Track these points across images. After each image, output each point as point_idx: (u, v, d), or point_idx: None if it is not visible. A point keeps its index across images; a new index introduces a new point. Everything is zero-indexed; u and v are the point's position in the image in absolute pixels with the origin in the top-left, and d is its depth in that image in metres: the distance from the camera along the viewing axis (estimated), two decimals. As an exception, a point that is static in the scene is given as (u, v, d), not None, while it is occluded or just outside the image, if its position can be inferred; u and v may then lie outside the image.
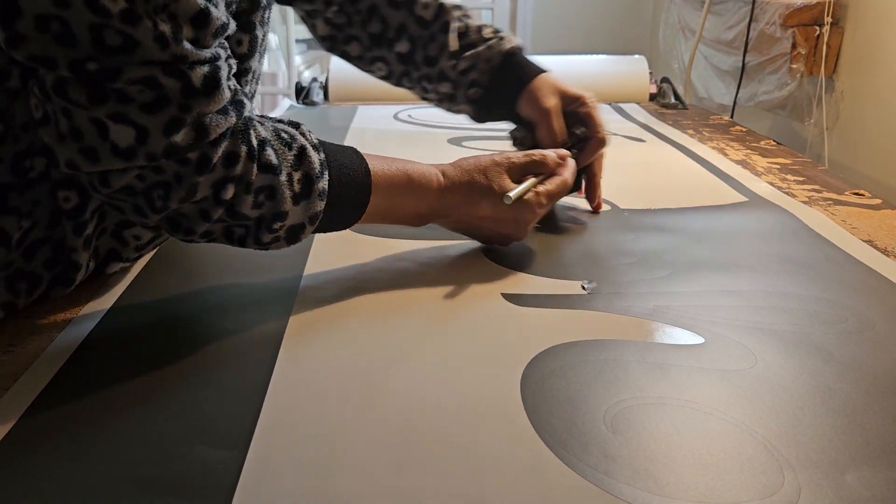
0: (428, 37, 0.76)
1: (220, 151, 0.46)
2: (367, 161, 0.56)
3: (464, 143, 1.12)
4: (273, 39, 2.21)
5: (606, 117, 1.34)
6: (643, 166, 1.02)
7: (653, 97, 1.52)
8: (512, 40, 0.77)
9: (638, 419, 0.43)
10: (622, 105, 1.46)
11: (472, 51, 0.76)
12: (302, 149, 0.51)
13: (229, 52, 0.47)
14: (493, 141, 1.14)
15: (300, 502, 0.36)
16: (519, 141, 0.79)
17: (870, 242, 0.72)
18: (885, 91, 1.25)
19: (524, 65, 0.77)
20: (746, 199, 0.85)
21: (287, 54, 2.43)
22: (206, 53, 0.44)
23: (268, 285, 0.61)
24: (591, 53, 1.65)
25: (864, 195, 0.88)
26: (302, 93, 1.53)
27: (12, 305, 0.54)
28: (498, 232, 0.65)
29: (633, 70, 1.56)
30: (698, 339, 0.52)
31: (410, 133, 1.20)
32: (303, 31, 2.36)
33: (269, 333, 0.53)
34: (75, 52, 0.40)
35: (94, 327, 0.54)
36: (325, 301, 0.58)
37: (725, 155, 1.07)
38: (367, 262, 0.66)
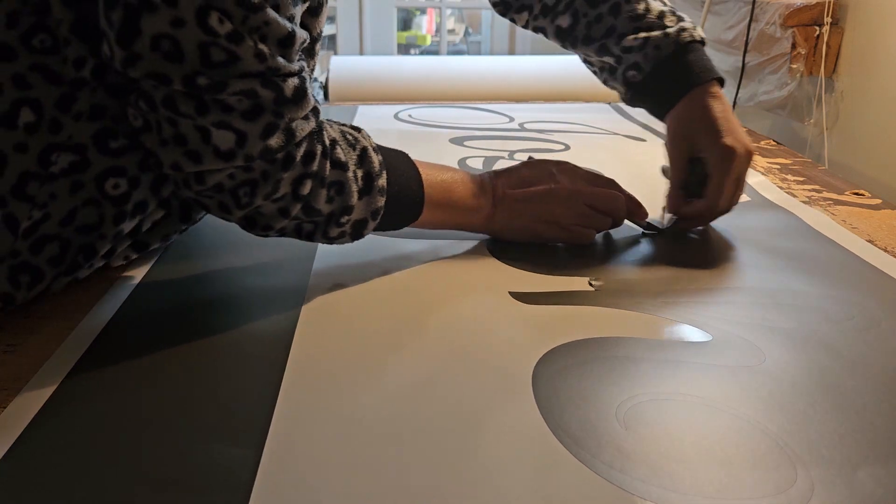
0: (594, 17, 0.73)
1: (301, 151, 0.51)
2: (417, 164, 0.62)
3: (465, 143, 1.12)
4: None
5: (606, 116, 1.35)
6: (644, 166, 1.02)
7: (653, 97, 1.52)
8: (694, 33, 0.71)
9: (651, 415, 0.43)
10: (622, 105, 1.46)
11: (645, 33, 0.70)
12: (364, 149, 0.57)
13: (309, 67, 0.53)
14: (496, 140, 1.14)
15: (317, 499, 0.36)
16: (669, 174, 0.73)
17: (870, 242, 0.72)
18: (885, 91, 1.26)
19: (696, 65, 0.69)
20: (748, 199, 0.86)
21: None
22: (295, 66, 0.49)
23: (276, 284, 0.61)
24: (591, 53, 1.64)
25: (864, 195, 0.88)
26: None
27: (10, 298, 0.53)
28: (546, 193, 0.66)
29: (633, 70, 1.56)
30: (706, 337, 0.53)
31: (411, 133, 1.20)
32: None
33: (280, 332, 0.53)
34: (184, 68, 0.44)
35: (105, 327, 0.54)
36: (333, 300, 0.58)
37: (727, 154, 1.07)
38: (375, 262, 0.66)
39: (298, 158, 0.51)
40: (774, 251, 0.69)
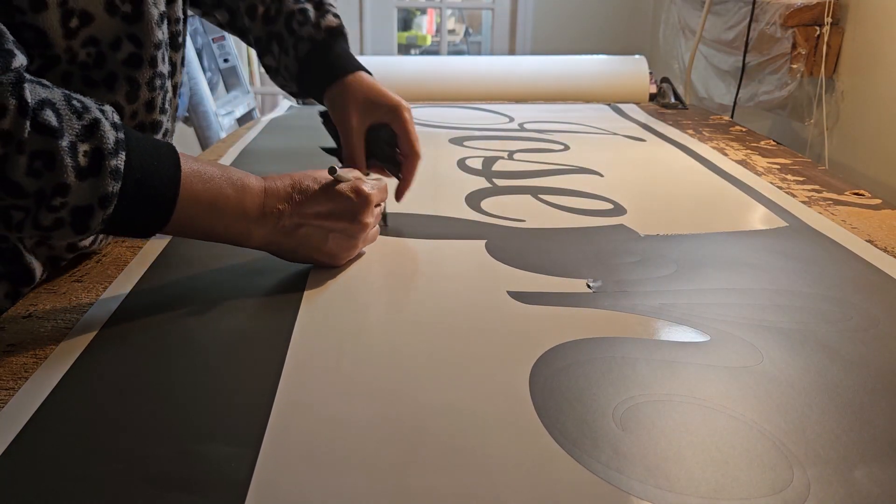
0: (245, 8, 0.77)
1: None
2: (179, 154, 0.52)
3: (465, 143, 1.13)
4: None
5: (606, 116, 1.35)
6: (644, 166, 1.02)
7: (653, 97, 1.53)
8: (315, 35, 0.75)
9: (647, 416, 0.43)
10: (622, 105, 1.46)
11: (277, 44, 0.76)
12: (95, 121, 0.47)
13: None
14: (496, 140, 1.14)
15: (312, 499, 0.37)
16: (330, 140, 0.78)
17: (870, 242, 0.72)
18: (885, 91, 1.26)
19: (334, 61, 0.74)
20: (748, 198, 0.86)
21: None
22: None
23: (274, 284, 0.61)
24: (591, 53, 1.65)
25: (864, 195, 0.88)
26: (302, 92, 1.53)
27: None
28: (334, 230, 0.60)
29: (633, 70, 1.56)
30: (704, 337, 0.53)
31: (412, 133, 1.20)
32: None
33: (278, 332, 0.53)
34: None
35: (103, 326, 0.54)
36: (331, 301, 0.58)
37: (725, 155, 1.07)
38: (373, 262, 0.66)
39: None
40: (773, 251, 0.69)
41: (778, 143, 1.17)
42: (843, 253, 0.69)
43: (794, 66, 1.42)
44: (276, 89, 2.51)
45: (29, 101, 0.44)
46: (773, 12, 1.48)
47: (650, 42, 2.59)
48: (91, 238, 0.61)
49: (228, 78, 2.23)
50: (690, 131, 1.23)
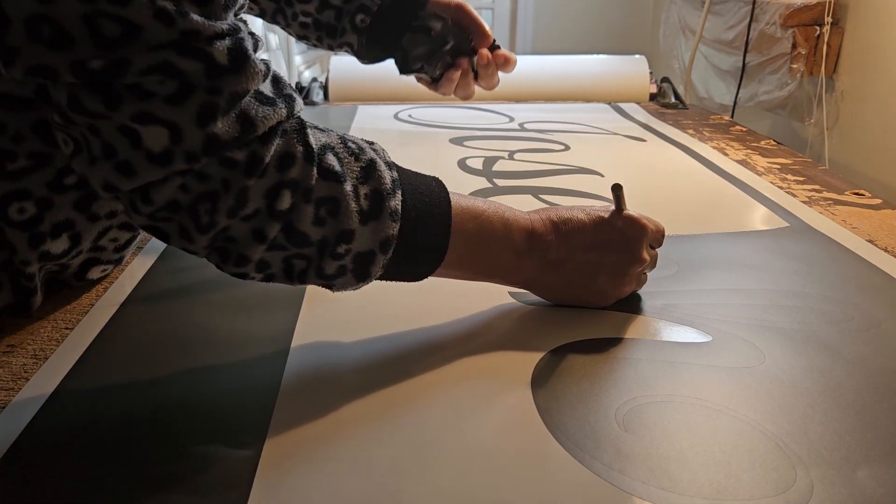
0: None
1: (271, 151, 0.40)
2: (448, 191, 0.49)
3: (465, 143, 1.12)
4: (273, 39, 2.21)
5: (606, 116, 1.35)
6: (644, 166, 1.02)
7: (653, 97, 1.53)
8: None
9: (650, 417, 0.43)
10: (622, 105, 1.46)
11: None
12: (371, 162, 0.45)
13: (249, 28, 0.42)
14: (496, 140, 1.14)
15: (315, 500, 0.36)
16: (417, 43, 0.76)
17: (871, 242, 0.72)
18: (885, 91, 1.26)
19: None
20: (749, 198, 0.86)
21: (287, 54, 2.43)
22: (223, 25, 0.38)
23: (276, 285, 0.61)
24: (591, 53, 1.65)
25: (864, 195, 0.88)
26: (302, 92, 1.53)
27: None
28: (603, 264, 0.54)
29: (633, 70, 1.56)
30: (706, 338, 0.53)
31: (411, 133, 1.20)
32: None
33: (279, 334, 0.53)
34: (74, 53, 0.36)
35: (104, 327, 0.54)
36: (332, 301, 0.58)
37: (726, 155, 1.07)
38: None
39: (268, 160, 0.40)
40: (774, 251, 0.69)
41: (778, 142, 1.17)
42: (844, 253, 0.69)
43: (794, 66, 1.42)
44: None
45: (314, 147, 0.42)
46: (773, 12, 1.48)
47: (650, 42, 2.59)
48: (103, 269, 0.61)
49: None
50: (691, 131, 1.23)
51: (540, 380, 0.47)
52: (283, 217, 0.41)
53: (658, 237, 0.57)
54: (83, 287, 0.60)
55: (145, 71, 0.36)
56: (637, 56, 1.59)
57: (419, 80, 0.86)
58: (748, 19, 1.58)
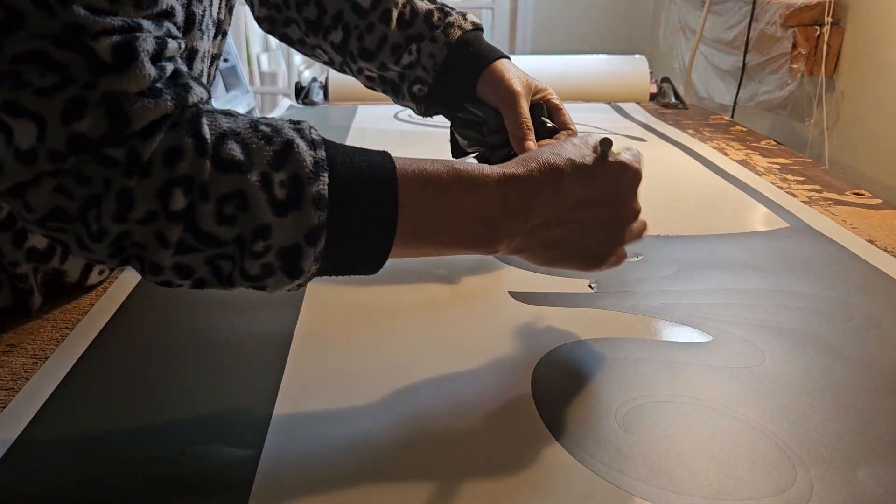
0: (365, 27, 0.68)
1: (152, 146, 0.37)
2: (394, 159, 0.43)
3: (466, 143, 1.12)
4: (273, 39, 2.21)
5: (606, 116, 1.35)
6: (645, 166, 1.02)
7: (653, 97, 1.53)
8: (464, 25, 0.68)
9: (650, 417, 0.43)
10: (622, 105, 1.46)
11: (416, 44, 0.67)
12: (288, 143, 0.40)
13: (169, 28, 0.39)
14: (495, 140, 1.14)
15: (315, 500, 0.36)
16: (469, 137, 0.70)
17: (871, 242, 0.72)
18: (885, 91, 1.26)
19: (479, 52, 0.67)
20: (749, 198, 0.86)
21: (287, 54, 2.43)
22: (116, 21, 0.36)
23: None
24: (591, 53, 1.65)
25: (864, 195, 0.88)
26: (302, 93, 1.53)
27: None
28: (596, 222, 0.47)
29: (633, 70, 1.56)
30: (706, 337, 0.53)
31: (411, 133, 1.20)
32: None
33: (279, 333, 0.53)
34: None
35: (104, 327, 0.54)
36: (332, 301, 0.58)
37: (726, 155, 1.07)
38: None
39: (150, 156, 0.37)
40: (774, 251, 0.69)
41: (778, 142, 1.17)
42: (844, 253, 0.69)
43: (795, 66, 1.42)
44: (277, 89, 2.51)
45: (207, 136, 0.38)
46: (774, 12, 1.48)
47: (650, 42, 2.59)
48: (100, 270, 0.60)
49: (228, 78, 2.23)
50: (691, 131, 1.23)
51: (540, 380, 0.47)
52: (182, 218, 0.38)
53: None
54: (84, 287, 0.60)
55: (18, 58, 0.34)
56: (637, 56, 1.59)
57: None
58: (748, 19, 1.58)
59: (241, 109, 2.20)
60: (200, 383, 0.47)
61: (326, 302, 0.58)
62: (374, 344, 0.52)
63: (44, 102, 0.35)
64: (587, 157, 0.48)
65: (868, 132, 1.31)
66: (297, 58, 2.52)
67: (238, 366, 0.49)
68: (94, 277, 0.60)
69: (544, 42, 2.72)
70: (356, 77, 0.74)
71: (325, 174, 0.40)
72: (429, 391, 0.46)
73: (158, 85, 0.37)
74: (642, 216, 0.51)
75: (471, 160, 0.57)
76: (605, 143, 0.48)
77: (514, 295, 0.59)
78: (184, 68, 0.40)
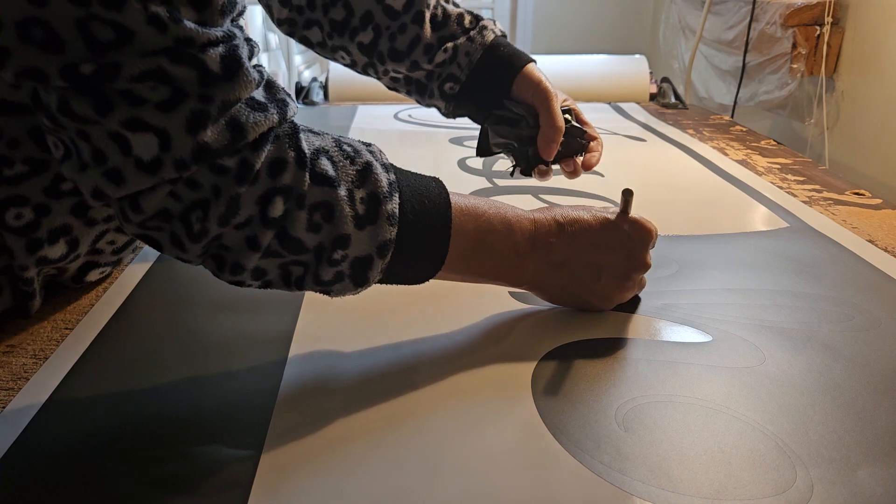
0: (397, 28, 0.69)
1: (262, 157, 0.40)
2: (448, 191, 0.49)
3: (465, 143, 1.12)
4: (273, 39, 2.21)
5: (606, 116, 1.35)
6: (645, 166, 1.02)
7: (653, 97, 1.53)
8: (495, 29, 0.71)
9: (649, 417, 0.43)
10: (622, 105, 1.46)
11: (451, 42, 0.69)
12: (367, 165, 0.44)
13: (246, 33, 0.42)
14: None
15: (315, 499, 0.36)
16: (503, 135, 0.70)
17: (871, 242, 0.72)
18: (885, 91, 1.26)
19: (513, 53, 0.70)
20: (749, 198, 0.86)
21: (287, 54, 2.43)
22: (218, 32, 0.38)
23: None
24: (591, 53, 1.65)
25: (864, 195, 0.88)
26: (302, 92, 1.53)
27: None
28: (606, 266, 0.54)
29: (633, 70, 1.56)
30: (706, 338, 0.53)
31: (411, 133, 1.20)
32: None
33: (279, 335, 0.53)
34: (65, 56, 0.36)
35: (104, 327, 0.54)
36: (332, 301, 0.58)
37: (726, 155, 1.07)
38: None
39: (259, 166, 0.40)
40: (774, 251, 0.69)
41: (778, 142, 1.17)
42: (843, 253, 0.69)
43: (795, 66, 1.42)
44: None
45: (306, 151, 0.42)
46: (773, 12, 1.48)
47: (650, 42, 2.59)
48: (101, 271, 0.61)
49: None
50: (691, 131, 1.23)
51: (540, 380, 0.47)
52: (277, 224, 0.41)
53: (655, 241, 0.57)
54: (83, 288, 0.60)
55: (137, 77, 0.36)
56: (637, 56, 1.59)
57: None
58: (748, 19, 1.58)
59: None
60: (200, 383, 0.47)
61: (326, 302, 0.58)
62: (374, 344, 0.52)
63: (166, 116, 0.37)
64: (605, 211, 0.54)
65: (868, 132, 1.31)
66: (298, 58, 2.52)
67: (238, 366, 0.49)
68: (93, 276, 0.60)
69: (544, 42, 2.72)
70: (379, 78, 0.75)
71: (397, 195, 0.45)
72: (428, 391, 0.46)
73: (261, 98, 0.41)
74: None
75: (506, 165, 0.57)
76: (627, 193, 0.53)
77: (514, 295, 0.59)
78: (279, 84, 0.43)
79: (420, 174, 0.48)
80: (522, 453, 0.40)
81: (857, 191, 0.90)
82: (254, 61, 0.41)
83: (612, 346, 0.51)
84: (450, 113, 0.74)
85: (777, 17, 1.46)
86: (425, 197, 0.46)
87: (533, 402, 0.44)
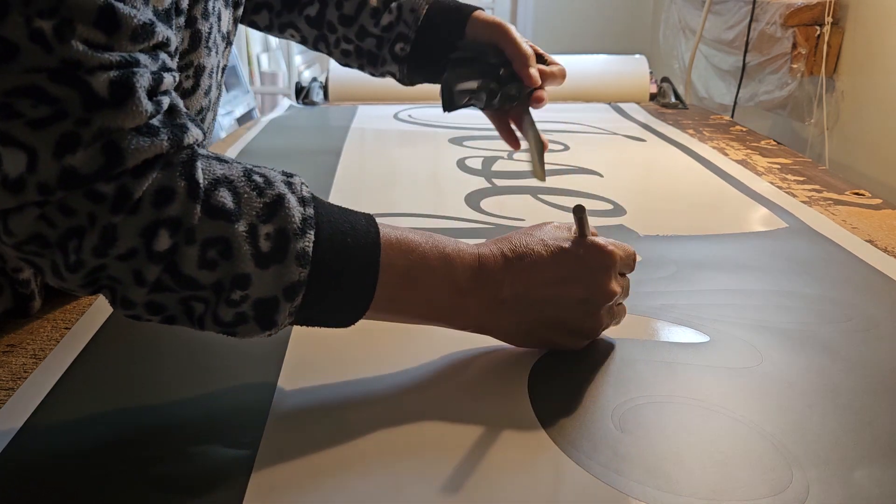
0: None
1: (144, 185, 0.36)
2: (380, 225, 0.44)
3: (465, 143, 1.12)
4: (273, 39, 2.21)
5: (606, 116, 1.35)
6: (644, 166, 1.02)
7: (653, 97, 1.53)
8: None
9: (647, 417, 0.43)
10: (622, 105, 1.46)
11: (395, 2, 0.70)
12: (279, 198, 0.40)
13: (164, 60, 0.39)
14: (496, 140, 1.14)
15: (310, 500, 0.36)
16: (465, 77, 0.68)
17: (870, 242, 0.72)
18: (885, 91, 1.26)
19: (459, 3, 0.71)
20: (749, 199, 0.86)
21: (287, 54, 2.43)
22: (113, 57, 0.35)
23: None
24: (591, 53, 1.65)
25: (864, 195, 0.88)
26: (302, 93, 1.53)
27: None
28: (569, 301, 0.47)
29: (633, 70, 1.56)
30: (704, 338, 0.53)
31: (410, 133, 1.20)
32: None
33: (276, 335, 0.53)
34: None
35: (102, 327, 0.54)
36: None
37: (726, 155, 1.07)
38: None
39: (141, 195, 0.36)
40: (773, 251, 0.69)
41: (778, 142, 1.17)
42: (843, 253, 0.69)
43: (795, 66, 1.42)
44: (277, 89, 2.52)
45: (200, 181, 0.38)
46: (774, 12, 1.48)
47: (650, 42, 2.59)
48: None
49: (228, 78, 2.23)
50: (691, 131, 1.23)
51: (537, 381, 0.47)
52: (164, 259, 0.38)
53: (629, 262, 0.50)
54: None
55: (10, 92, 0.34)
56: (637, 56, 1.59)
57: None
58: (748, 19, 1.58)
59: (241, 109, 2.20)
60: (197, 383, 0.47)
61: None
62: (371, 345, 0.52)
63: (36, 135, 0.34)
64: (561, 238, 0.48)
65: (868, 132, 1.31)
66: (298, 58, 2.52)
67: (234, 366, 0.49)
68: None
69: (544, 42, 2.71)
70: (331, 53, 0.75)
71: (312, 232, 0.40)
72: (425, 391, 0.46)
73: (155, 123, 0.37)
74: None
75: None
76: (579, 211, 0.47)
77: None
78: (180, 104, 0.40)
79: (350, 210, 0.44)
80: (519, 454, 0.40)
81: (856, 191, 0.90)
82: (164, 90, 0.38)
83: (609, 347, 0.51)
84: (405, 77, 0.74)
85: (777, 17, 1.46)
86: (348, 234, 0.42)
87: (530, 403, 0.44)
